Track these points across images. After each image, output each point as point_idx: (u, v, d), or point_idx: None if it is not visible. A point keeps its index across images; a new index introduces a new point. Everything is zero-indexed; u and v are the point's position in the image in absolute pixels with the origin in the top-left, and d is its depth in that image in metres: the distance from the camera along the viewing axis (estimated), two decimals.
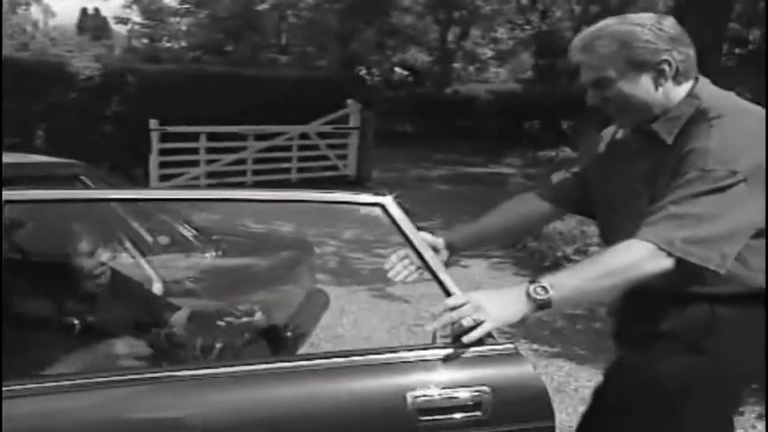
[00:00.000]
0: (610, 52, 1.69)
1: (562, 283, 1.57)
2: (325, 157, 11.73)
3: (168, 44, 26.38)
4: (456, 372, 1.56)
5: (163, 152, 9.97)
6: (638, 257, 1.56)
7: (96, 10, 39.06)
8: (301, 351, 2.09)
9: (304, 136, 11.51)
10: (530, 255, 6.61)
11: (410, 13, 22.18)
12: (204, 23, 23.02)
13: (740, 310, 1.67)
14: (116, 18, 28.53)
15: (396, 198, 1.66)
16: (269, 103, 11.25)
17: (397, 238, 1.66)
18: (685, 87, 1.71)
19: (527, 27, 21.58)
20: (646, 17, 1.72)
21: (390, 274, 1.80)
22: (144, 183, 9.62)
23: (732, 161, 1.57)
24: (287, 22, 22.54)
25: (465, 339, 1.53)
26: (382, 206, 1.64)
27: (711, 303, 1.66)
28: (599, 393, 1.89)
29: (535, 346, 4.34)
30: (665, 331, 1.71)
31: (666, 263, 1.55)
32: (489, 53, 26.60)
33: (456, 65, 24.65)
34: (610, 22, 1.73)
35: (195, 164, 10.42)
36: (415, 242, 1.61)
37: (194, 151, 10.35)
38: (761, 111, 1.69)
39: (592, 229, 6.07)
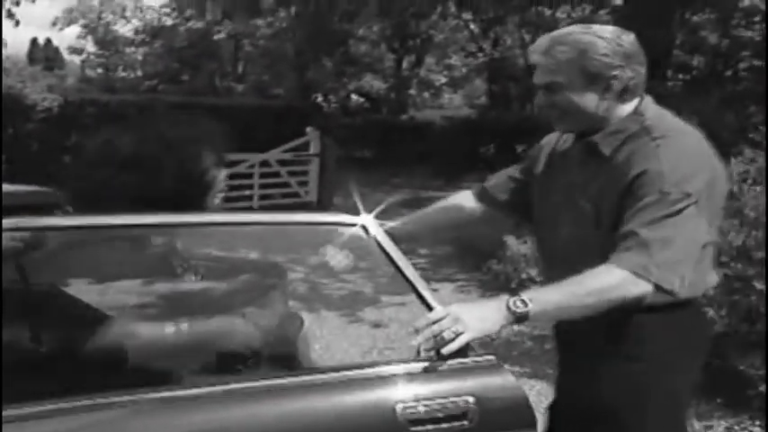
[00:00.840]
0: (566, 59, 1.74)
1: (541, 298, 1.64)
2: (287, 184, 11.75)
3: (123, 74, 26.15)
4: (441, 383, 1.61)
5: None
6: (619, 281, 1.61)
7: (48, 40, 38.57)
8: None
9: (265, 164, 11.52)
10: (494, 277, 6.73)
11: (365, 41, 22.43)
12: (160, 53, 22.91)
13: (667, 318, 1.74)
14: (70, 48, 28.22)
15: (375, 218, 1.72)
16: (227, 132, 11.21)
17: (366, 263, 1.72)
18: (630, 105, 1.78)
19: (480, 54, 22.00)
20: (608, 30, 1.78)
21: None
22: None
23: (684, 183, 1.65)
24: (243, 50, 22.58)
25: (444, 351, 1.57)
26: (363, 226, 1.69)
27: (638, 313, 1.71)
28: (552, 411, 1.99)
29: (506, 366, 4.41)
30: (598, 344, 1.78)
31: (646, 287, 1.61)
32: (443, 80, 26.99)
33: (411, 91, 24.97)
34: (574, 30, 1.79)
35: None
36: (398, 261, 1.67)
37: None
38: (696, 131, 1.79)
39: None
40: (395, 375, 1.61)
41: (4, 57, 26.10)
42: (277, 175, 11.70)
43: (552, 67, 1.76)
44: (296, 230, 1.68)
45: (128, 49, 26.07)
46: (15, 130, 10.00)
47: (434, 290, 5.99)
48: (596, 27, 1.79)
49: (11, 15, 27.86)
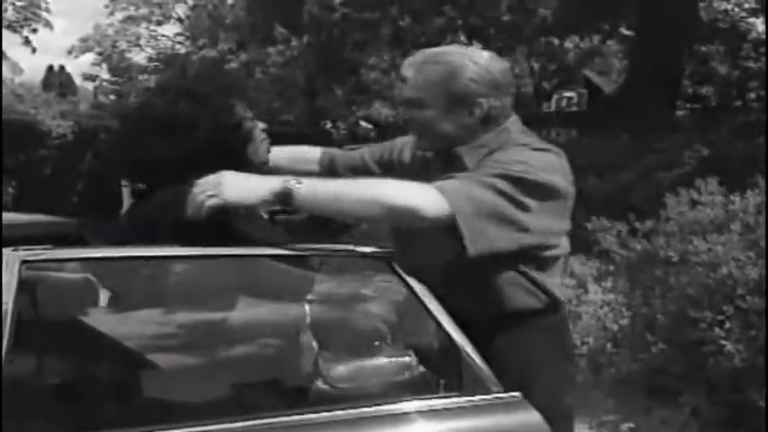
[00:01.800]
0: (434, 78, 1.73)
1: (317, 183, 1.60)
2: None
3: (135, 100, 26.37)
4: (463, 420, 1.59)
5: None
6: (405, 190, 1.58)
7: (62, 67, 39.01)
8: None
9: None
10: None
11: (375, 69, 22.60)
12: (173, 80, 23.10)
13: (540, 321, 1.76)
14: (84, 75, 28.56)
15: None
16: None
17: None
18: (493, 130, 1.78)
19: None
20: (483, 56, 1.76)
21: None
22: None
23: (530, 170, 1.66)
24: (254, 78, 22.77)
25: (195, 216, 1.50)
26: (386, 259, 1.68)
27: (516, 318, 1.74)
28: None
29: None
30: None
31: (431, 210, 1.56)
32: None
33: None
34: (450, 50, 1.80)
35: None
36: (420, 294, 1.65)
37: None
38: (560, 151, 1.79)
39: (567, 281, 6.14)
40: (415, 412, 1.58)
41: (18, 83, 26.51)
42: None
43: (419, 83, 1.75)
44: (321, 261, 1.67)
45: (141, 77, 26.37)
46: (28, 156, 10.07)
47: None
48: (472, 51, 1.78)
49: (28, 42, 28.27)
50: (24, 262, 1.40)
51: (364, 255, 1.63)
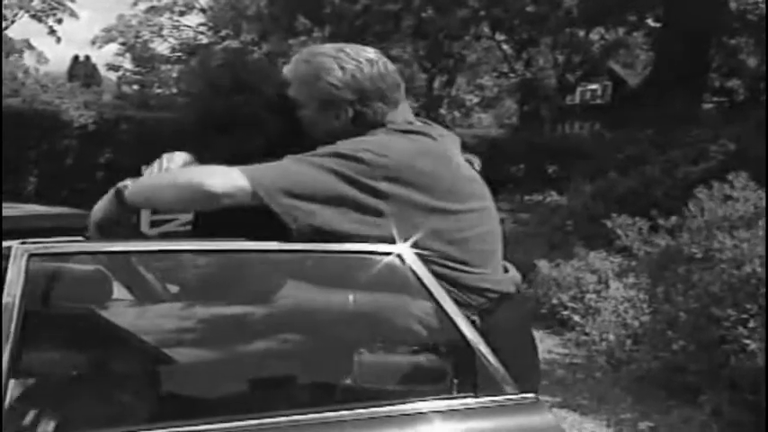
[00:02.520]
0: (304, 79, 1.71)
1: (142, 178, 1.63)
2: None
3: (159, 90, 26.59)
4: (477, 422, 1.56)
5: None
6: (205, 174, 1.56)
7: (87, 57, 39.40)
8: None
9: None
10: None
11: (398, 61, 22.57)
12: (196, 70, 23.25)
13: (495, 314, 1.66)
14: (108, 65, 28.81)
15: (412, 247, 1.66)
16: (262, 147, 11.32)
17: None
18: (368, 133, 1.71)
19: (512, 75, 21.95)
20: (358, 58, 1.70)
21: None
22: (134, 229, 9.60)
23: (360, 150, 1.58)
24: (278, 68, 22.83)
25: None
26: (399, 255, 1.64)
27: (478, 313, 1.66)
28: None
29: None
30: None
31: (226, 189, 1.52)
32: (475, 100, 27.00)
33: (442, 111, 25.01)
34: (323, 51, 1.73)
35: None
36: (434, 291, 1.61)
37: None
38: (422, 140, 1.68)
39: (588, 277, 6.08)
40: (429, 412, 1.55)
41: (43, 73, 26.80)
42: None
43: (294, 82, 1.73)
44: (328, 259, 1.63)
45: (163, 67, 26.52)
46: (50, 147, 10.17)
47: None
48: (347, 50, 1.71)
49: (53, 32, 28.56)
50: (32, 255, 1.39)
51: (372, 252, 1.59)
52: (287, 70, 1.75)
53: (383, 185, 1.57)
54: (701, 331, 4.33)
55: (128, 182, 1.61)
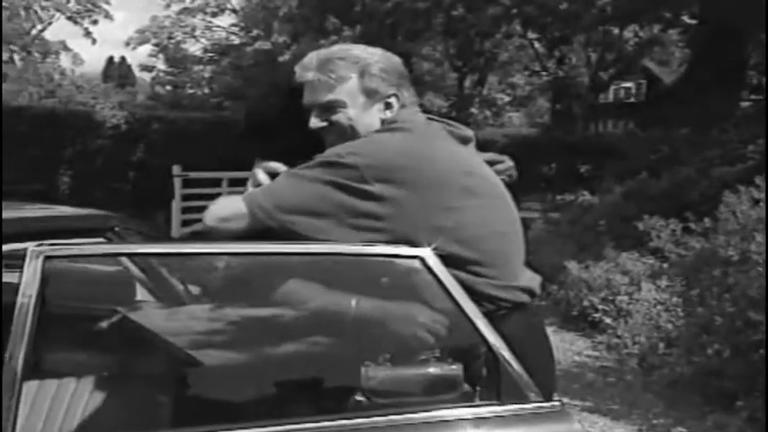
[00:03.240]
0: (348, 75, 1.67)
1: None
2: None
3: (191, 91, 26.88)
4: (503, 430, 1.51)
5: (185, 197, 10.05)
6: (217, 208, 1.64)
7: (122, 58, 40.01)
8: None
9: None
10: (555, 303, 6.53)
11: (428, 60, 22.47)
12: (227, 71, 23.47)
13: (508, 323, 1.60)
14: (141, 66, 29.20)
15: (434, 250, 1.62)
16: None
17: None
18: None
19: (544, 73, 21.74)
20: (378, 51, 1.73)
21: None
22: (166, 228, 9.73)
23: (350, 154, 1.57)
24: None
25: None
26: (421, 259, 1.60)
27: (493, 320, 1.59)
28: None
29: (566, 400, 4.22)
30: None
31: (232, 221, 1.59)
32: (506, 98, 26.81)
33: (473, 110, 24.88)
34: (348, 48, 1.73)
35: None
36: (457, 296, 1.57)
37: (216, 197, 10.43)
38: (417, 132, 1.66)
39: (618, 278, 5.98)
40: (456, 420, 1.51)
41: (78, 74, 27.27)
42: None
43: (333, 83, 1.68)
44: (350, 262, 1.60)
45: (196, 68, 26.79)
46: (84, 147, 10.33)
47: None
48: (363, 47, 1.75)
49: (88, 34, 29.03)
50: (48, 257, 1.38)
51: (396, 255, 1.55)
52: (311, 76, 1.70)
53: (375, 187, 1.55)
54: (736, 335, 4.22)
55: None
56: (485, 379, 1.55)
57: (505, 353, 1.54)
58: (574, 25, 13.25)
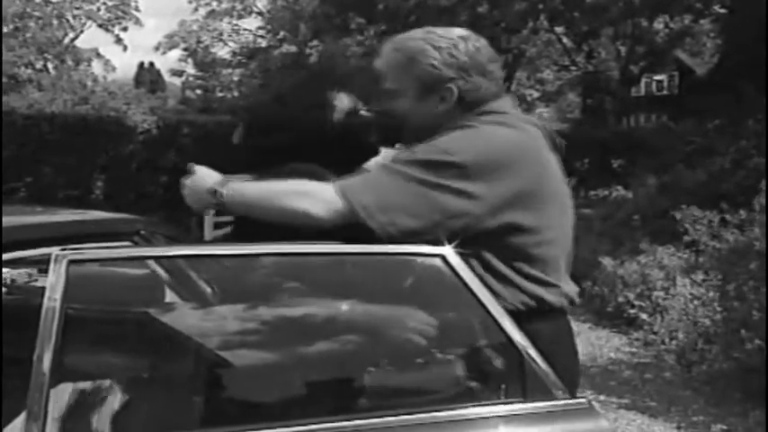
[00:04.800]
0: (400, 65, 1.64)
1: (240, 186, 1.60)
2: None
3: (221, 94, 27.16)
4: (528, 428, 1.49)
5: None
6: (312, 191, 1.53)
7: (152, 64, 40.57)
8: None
9: None
10: (590, 299, 6.45)
11: None
12: (256, 74, 23.66)
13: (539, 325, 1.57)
14: (171, 71, 29.60)
15: (455, 248, 1.60)
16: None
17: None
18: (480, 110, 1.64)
19: (573, 68, 21.50)
20: (450, 36, 1.64)
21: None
22: (198, 231, 9.83)
23: (456, 151, 1.52)
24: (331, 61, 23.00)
25: None
26: (443, 257, 1.59)
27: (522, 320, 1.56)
28: None
29: (602, 398, 4.18)
30: None
31: (334, 211, 1.51)
32: (536, 94, 26.60)
33: None
34: (411, 36, 1.67)
35: None
36: (479, 294, 1.55)
37: None
38: (521, 127, 1.61)
39: (654, 273, 5.88)
40: (479, 418, 1.50)
41: (110, 80, 27.69)
42: None
43: (389, 73, 1.67)
44: (371, 261, 1.59)
45: (224, 71, 27.06)
46: (116, 152, 10.49)
47: None
48: (436, 32, 1.66)
49: (119, 41, 29.44)
50: (72, 261, 1.40)
51: (414, 253, 1.54)
52: (378, 63, 1.71)
53: (477, 187, 1.51)
54: None
55: (224, 182, 1.62)
56: (510, 376, 1.53)
57: (531, 351, 1.51)
58: (601, 18, 13.08)
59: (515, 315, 1.54)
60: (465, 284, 1.52)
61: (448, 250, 1.54)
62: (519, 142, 1.60)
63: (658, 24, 17.47)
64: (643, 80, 25.35)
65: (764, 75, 9.75)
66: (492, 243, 1.56)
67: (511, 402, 1.51)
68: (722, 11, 12.72)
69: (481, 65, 1.64)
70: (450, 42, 1.63)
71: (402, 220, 1.50)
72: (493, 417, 1.50)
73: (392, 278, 1.62)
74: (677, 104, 20.24)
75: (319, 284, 1.63)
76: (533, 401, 1.50)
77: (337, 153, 1.80)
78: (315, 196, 1.53)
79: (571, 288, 1.69)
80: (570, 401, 1.53)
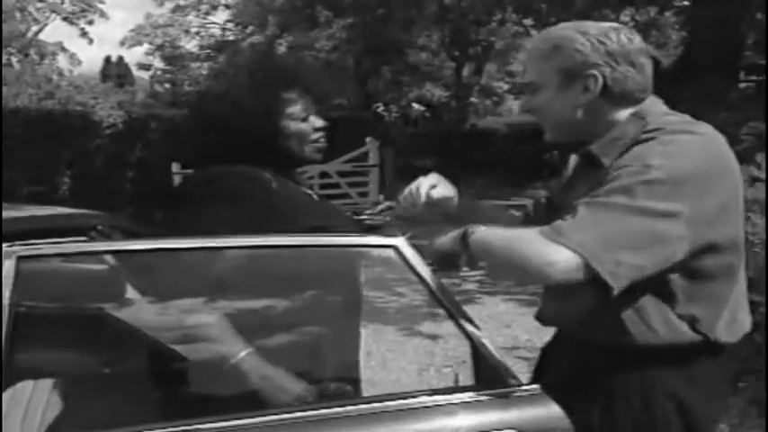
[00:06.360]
0: (542, 56, 1.58)
1: (487, 232, 1.53)
2: (347, 195, 11.79)
3: (189, 88, 26.86)
4: (482, 415, 1.52)
5: None
6: (550, 253, 1.39)
7: (120, 58, 39.95)
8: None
9: (324, 175, 11.58)
10: None
11: (425, 50, 22.40)
12: (224, 68, 23.43)
13: (678, 368, 1.50)
14: (139, 64, 29.18)
15: (409, 238, 1.62)
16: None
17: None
18: (629, 110, 1.56)
19: None
20: (598, 26, 1.56)
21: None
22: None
23: (671, 167, 1.40)
24: (304, 63, 22.86)
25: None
26: (395, 247, 1.61)
27: (643, 361, 1.49)
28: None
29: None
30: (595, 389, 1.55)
31: (560, 269, 1.38)
32: (505, 87, 26.71)
33: (473, 99, 24.78)
34: (561, 26, 1.61)
35: None
36: (430, 283, 1.58)
37: None
38: (709, 134, 1.50)
39: None
40: (433, 406, 1.52)
41: (76, 74, 27.23)
42: (337, 186, 11.75)
43: (531, 65, 1.62)
44: (325, 252, 1.60)
45: (193, 65, 26.76)
46: (82, 147, 10.35)
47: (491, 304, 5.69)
48: (586, 23, 1.58)
49: (84, 34, 28.95)
50: (21, 257, 1.39)
51: (367, 245, 1.56)
52: (522, 58, 1.71)
53: (681, 206, 1.40)
54: None
55: (477, 228, 1.54)
56: (464, 365, 1.56)
57: (483, 339, 1.54)
58: (568, 11, 13.19)
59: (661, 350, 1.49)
60: (416, 273, 1.54)
61: (400, 241, 1.56)
62: (721, 153, 1.51)
63: (625, 17, 17.64)
64: None
65: (728, 66, 9.95)
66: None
67: (464, 390, 1.54)
68: (685, 3, 12.91)
69: (630, 54, 1.54)
70: (600, 30, 1.55)
71: (630, 258, 1.38)
72: (448, 404, 1.52)
73: (347, 269, 1.64)
74: None
75: (273, 276, 1.64)
76: (487, 389, 1.52)
77: (278, 160, 1.81)
78: (550, 252, 1.40)
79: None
80: (523, 388, 1.56)
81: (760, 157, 4.97)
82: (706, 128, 1.52)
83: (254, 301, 1.68)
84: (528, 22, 18.38)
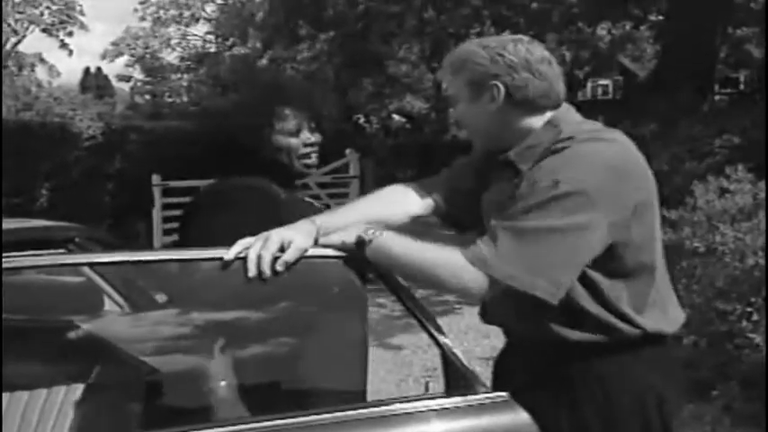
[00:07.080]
0: (453, 71, 1.69)
1: (387, 243, 1.55)
2: (327, 207, 11.77)
3: (170, 99, 26.78)
4: (451, 422, 1.55)
5: (166, 207, 9.99)
6: (458, 263, 1.49)
7: (99, 69, 39.71)
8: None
9: (305, 186, 11.57)
10: None
11: (405, 62, 22.53)
12: (204, 79, 23.41)
13: (618, 360, 1.59)
14: (119, 76, 29.04)
15: None
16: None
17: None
18: (542, 118, 1.64)
19: None
20: (499, 39, 1.68)
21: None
22: (147, 238, 9.69)
23: (580, 179, 1.48)
24: (285, 75, 22.89)
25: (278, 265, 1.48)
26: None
27: (589, 354, 1.58)
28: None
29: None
30: (543, 383, 1.62)
31: (481, 281, 1.48)
32: None
33: (452, 110, 24.84)
34: (466, 43, 1.73)
35: None
36: (401, 294, 1.61)
37: None
38: (621, 140, 1.60)
39: None
40: (402, 414, 1.55)
41: (56, 86, 27.03)
42: (317, 197, 11.75)
43: (446, 80, 1.73)
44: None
45: (173, 76, 26.69)
46: (61, 159, 10.27)
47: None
48: (489, 39, 1.72)
49: (64, 45, 28.73)
50: None
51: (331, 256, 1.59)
52: (439, 74, 1.78)
53: (596, 214, 1.48)
54: (708, 326, 4.27)
55: (377, 233, 1.57)
56: (434, 372, 1.59)
57: (452, 346, 1.59)
58: (546, 24, 13.37)
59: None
60: (388, 284, 1.58)
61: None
62: (633, 159, 1.60)
63: (602, 31, 17.91)
64: (589, 84, 25.91)
65: (702, 79, 10.12)
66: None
67: (434, 397, 1.57)
68: (660, 18, 13.13)
69: (530, 63, 1.62)
70: (500, 43, 1.65)
71: (559, 275, 1.47)
72: (416, 412, 1.55)
73: (313, 279, 1.66)
74: (615, 108, 20.77)
75: (238, 289, 1.64)
76: (455, 396, 1.56)
77: (268, 173, 1.85)
78: (464, 267, 1.49)
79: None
80: (491, 395, 1.60)
81: (729, 170, 5.08)
82: (616, 134, 1.62)
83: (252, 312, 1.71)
84: (506, 35, 18.58)
